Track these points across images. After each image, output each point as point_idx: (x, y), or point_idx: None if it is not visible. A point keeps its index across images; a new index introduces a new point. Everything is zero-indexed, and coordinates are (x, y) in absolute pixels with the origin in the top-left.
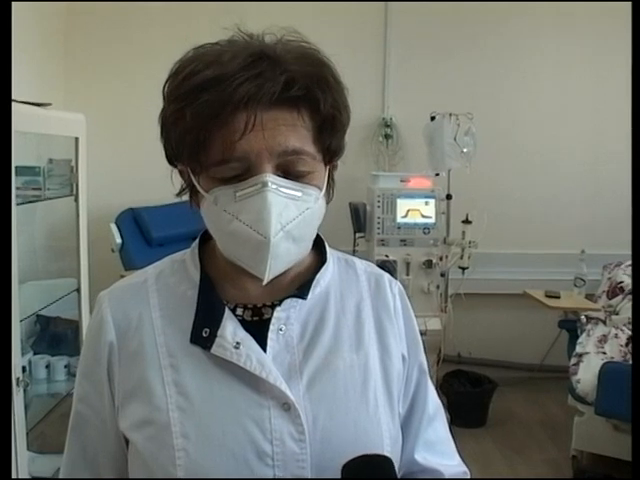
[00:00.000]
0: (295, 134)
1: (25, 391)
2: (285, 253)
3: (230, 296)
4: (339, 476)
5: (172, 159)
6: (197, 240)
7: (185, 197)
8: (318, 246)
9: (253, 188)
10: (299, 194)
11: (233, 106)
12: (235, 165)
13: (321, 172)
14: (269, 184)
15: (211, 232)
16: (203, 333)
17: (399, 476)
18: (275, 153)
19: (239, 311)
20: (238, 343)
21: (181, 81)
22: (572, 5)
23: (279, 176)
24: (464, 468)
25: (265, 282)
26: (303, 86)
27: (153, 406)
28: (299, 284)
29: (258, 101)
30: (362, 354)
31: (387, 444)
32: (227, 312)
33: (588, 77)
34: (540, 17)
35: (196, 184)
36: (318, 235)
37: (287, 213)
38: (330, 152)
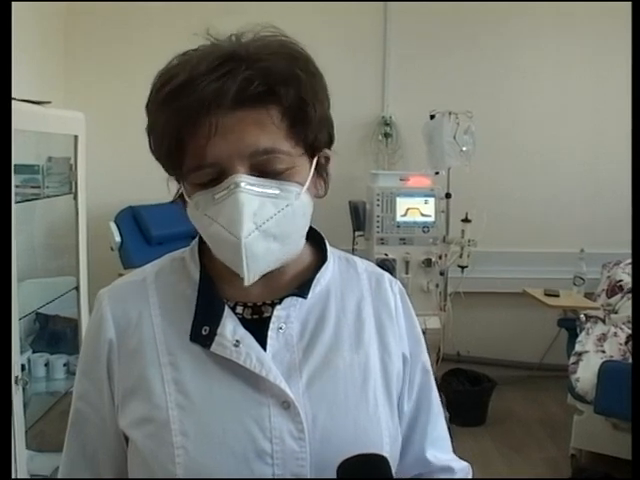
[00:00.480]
0: (264, 133)
1: (24, 389)
2: (264, 252)
3: (230, 294)
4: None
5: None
6: (197, 238)
7: None
8: (319, 244)
9: (227, 190)
10: (277, 192)
11: (197, 111)
12: (209, 170)
13: (302, 167)
14: (241, 185)
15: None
16: (203, 331)
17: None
18: (245, 155)
19: (239, 309)
20: (238, 341)
21: (155, 94)
22: (572, 5)
23: (255, 176)
24: (464, 462)
25: (247, 283)
26: (263, 82)
27: (152, 404)
28: (299, 283)
29: (219, 104)
30: (362, 353)
31: (386, 443)
32: (227, 310)
33: (588, 77)
34: (540, 17)
35: (183, 191)
36: (319, 233)
37: (263, 212)
38: (311, 145)
